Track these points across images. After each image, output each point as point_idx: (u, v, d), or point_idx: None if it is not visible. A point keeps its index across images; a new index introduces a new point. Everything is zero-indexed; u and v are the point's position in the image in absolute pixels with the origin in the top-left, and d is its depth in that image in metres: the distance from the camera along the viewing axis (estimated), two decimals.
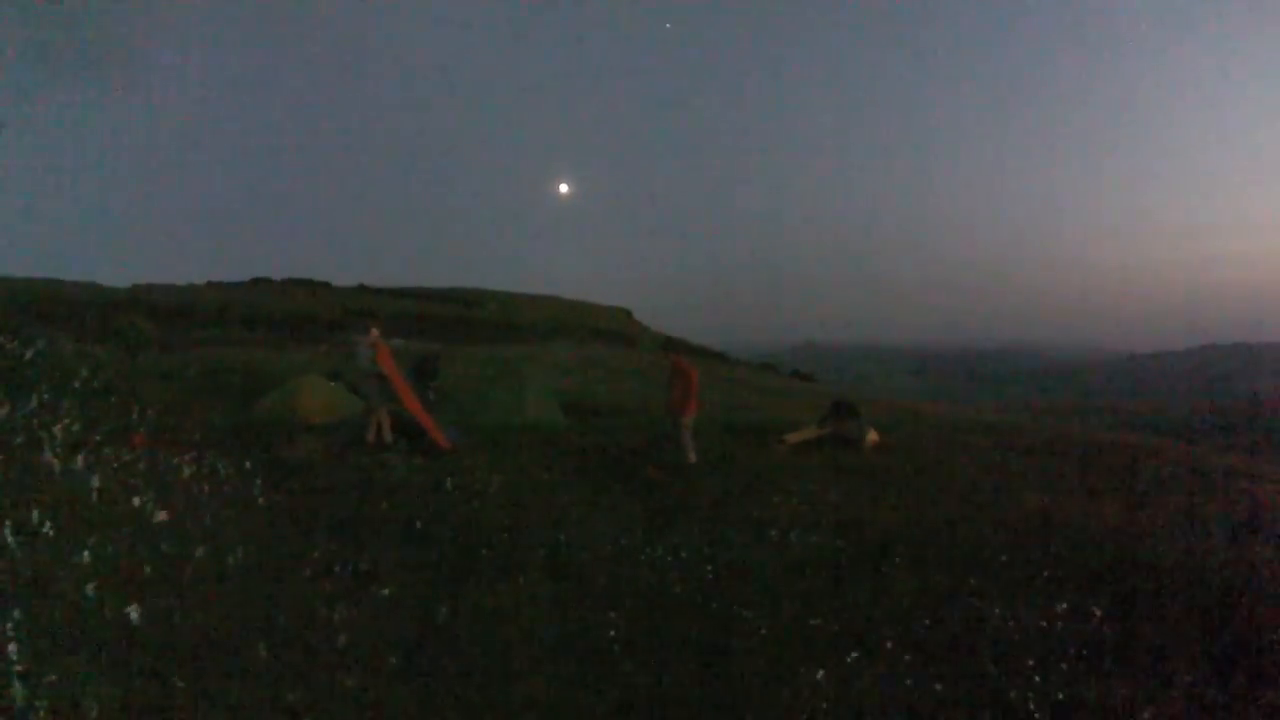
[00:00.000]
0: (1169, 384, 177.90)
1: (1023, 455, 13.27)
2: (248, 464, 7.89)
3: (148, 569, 4.65)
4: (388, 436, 10.68)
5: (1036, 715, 4.17)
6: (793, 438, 13.15)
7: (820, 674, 4.45)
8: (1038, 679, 4.53)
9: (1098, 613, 5.49)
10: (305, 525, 6.49)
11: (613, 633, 4.91)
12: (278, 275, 62.31)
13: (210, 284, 55.79)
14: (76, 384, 8.67)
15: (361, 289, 61.38)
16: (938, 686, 4.41)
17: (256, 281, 60.08)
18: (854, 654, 4.73)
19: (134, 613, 4.00)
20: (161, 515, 5.49)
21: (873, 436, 13.32)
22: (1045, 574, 6.32)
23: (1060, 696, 4.36)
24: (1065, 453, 13.72)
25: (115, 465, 6.52)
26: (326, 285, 61.19)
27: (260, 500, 6.83)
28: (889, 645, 4.88)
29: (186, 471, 7.01)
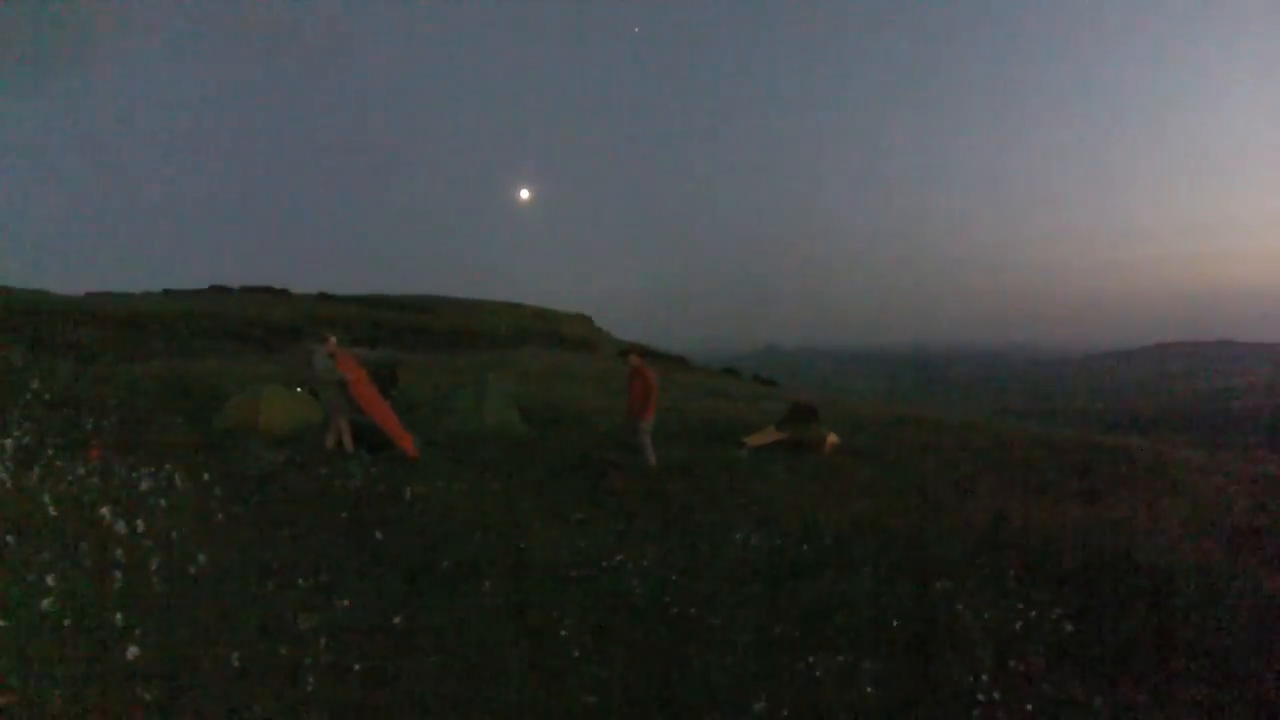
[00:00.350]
0: (1124, 383, 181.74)
1: (983, 455, 13.49)
2: (206, 475, 7.83)
3: (110, 582, 4.65)
4: (349, 445, 10.65)
5: (995, 711, 4.28)
6: (752, 441, 13.32)
7: (783, 676, 4.55)
8: (999, 675, 4.65)
9: (1057, 610, 5.64)
10: (266, 536, 6.47)
11: (574, 640, 4.97)
12: (235, 283, 61.38)
13: (166, 292, 54.87)
14: (28, 395, 8.57)
15: (322, 297, 60.68)
16: (900, 686, 4.52)
17: (214, 289, 59.18)
18: (814, 658, 4.81)
19: (97, 626, 4.02)
20: (121, 528, 5.47)
21: (832, 439, 13.52)
22: (1006, 573, 6.46)
23: (1020, 691, 4.48)
24: (1025, 452, 13.97)
25: (70, 479, 6.48)
26: (286, 293, 60.41)
27: (219, 512, 6.79)
28: (851, 646, 4.99)
29: (144, 484, 6.97)
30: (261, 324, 40.80)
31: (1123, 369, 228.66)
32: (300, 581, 5.47)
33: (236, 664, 4.06)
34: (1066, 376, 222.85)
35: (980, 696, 4.39)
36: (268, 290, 60.34)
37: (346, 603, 5.17)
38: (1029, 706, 4.30)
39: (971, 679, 4.57)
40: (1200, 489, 10.79)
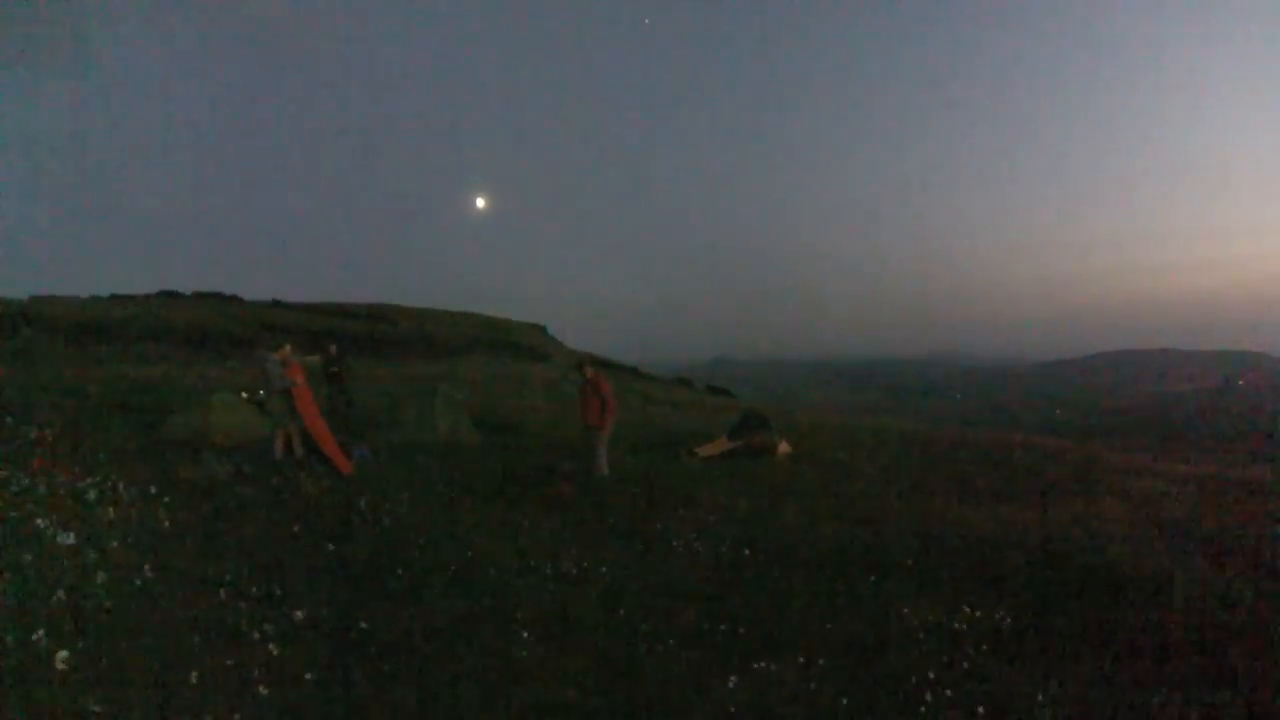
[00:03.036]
0: (1070, 390, 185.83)
1: (932, 461, 13.82)
2: (153, 486, 7.77)
3: (53, 598, 4.63)
4: (299, 451, 10.56)
5: (943, 708, 4.41)
6: (704, 450, 13.47)
7: (732, 681, 4.62)
8: (944, 673, 4.80)
9: (999, 608, 5.84)
10: (215, 547, 6.44)
11: (525, 647, 5.02)
12: (186, 288, 60.09)
13: (114, 297, 53.54)
14: None
15: (275, 304, 59.73)
16: (850, 685, 4.62)
17: (164, 295, 57.88)
18: (764, 661, 4.92)
19: (44, 641, 4.01)
20: (69, 539, 5.44)
21: (784, 447, 13.74)
22: (946, 574, 6.68)
23: (965, 687, 4.62)
24: (972, 458, 14.32)
25: (14, 488, 6.42)
26: (237, 299, 59.39)
27: (167, 522, 6.76)
28: (799, 649, 5.10)
29: (90, 494, 6.91)
30: (212, 331, 40.09)
31: (1069, 377, 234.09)
32: (251, 591, 5.47)
33: (186, 674, 4.06)
34: (1017, 384, 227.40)
35: (929, 696, 4.50)
36: (219, 296, 59.24)
37: (298, 612, 5.17)
38: (977, 704, 4.42)
39: (917, 678, 4.70)
40: (1141, 491, 11.19)
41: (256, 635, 4.72)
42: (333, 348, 16.51)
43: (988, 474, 12.37)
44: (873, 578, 6.62)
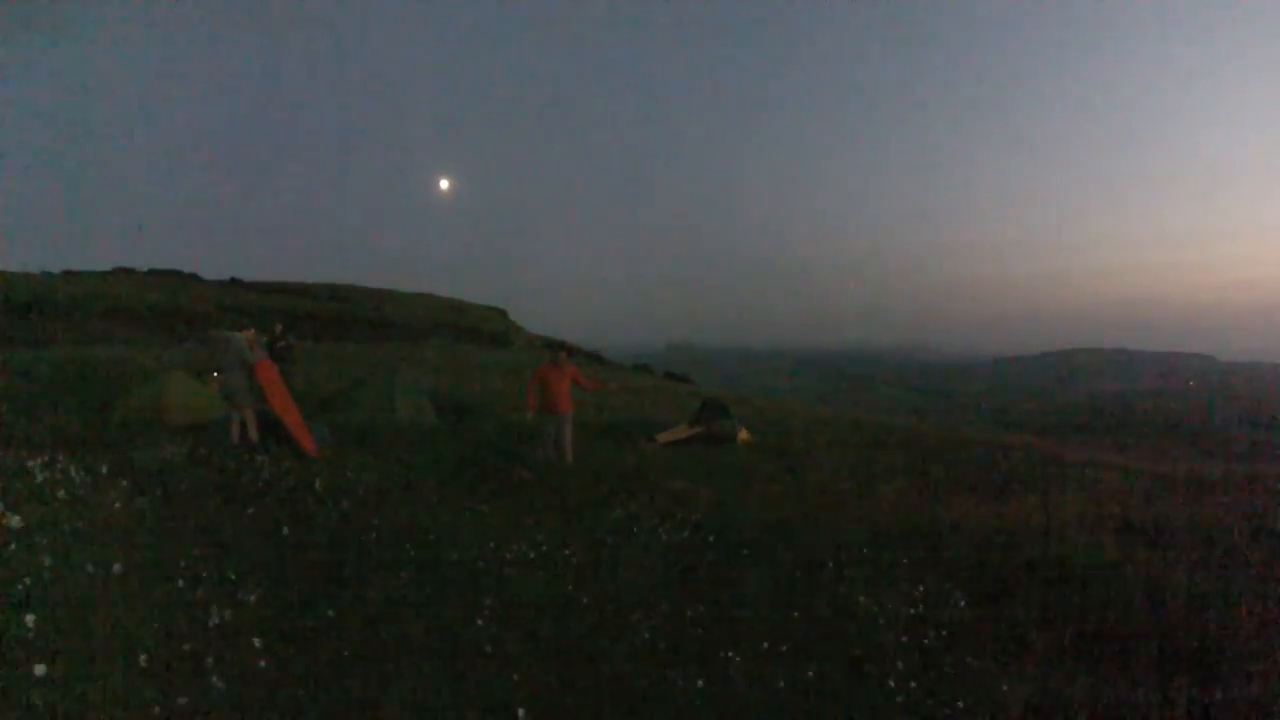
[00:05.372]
0: (1028, 386, 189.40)
1: (890, 452, 13.99)
2: (105, 468, 7.64)
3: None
4: (254, 435, 10.47)
5: (907, 695, 4.47)
6: (664, 437, 13.55)
7: (693, 669, 4.63)
8: (906, 660, 4.87)
9: (958, 597, 5.95)
10: (169, 532, 6.31)
11: (485, 633, 4.98)
12: (141, 265, 58.88)
13: (66, 273, 52.31)
14: None
15: (233, 282, 58.78)
16: (809, 674, 4.65)
17: (118, 271, 56.64)
18: (726, 650, 4.93)
19: None
20: (13, 523, 5.34)
21: (744, 435, 13.87)
22: (907, 563, 6.77)
23: (926, 674, 4.70)
24: (930, 449, 14.54)
25: None
26: (195, 277, 58.37)
27: (117, 505, 6.62)
28: (761, 636, 5.14)
29: (38, 477, 6.79)
30: (169, 310, 39.32)
31: (1027, 373, 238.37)
32: (205, 576, 5.36)
33: (137, 663, 3.97)
34: (974, 379, 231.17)
35: (891, 683, 4.57)
36: (176, 274, 58.19)
37: (254, 598, 5.08)
38: (940, 691, 4.50)
39: (879, 666, 4.79)
40: (1095, 484, 11.44)
41: (210, 620, 4.62)
42: (278, 326, 16.62)
43: (947, 466, 12.57)
44: (831, 564, 6.70)
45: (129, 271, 57.01)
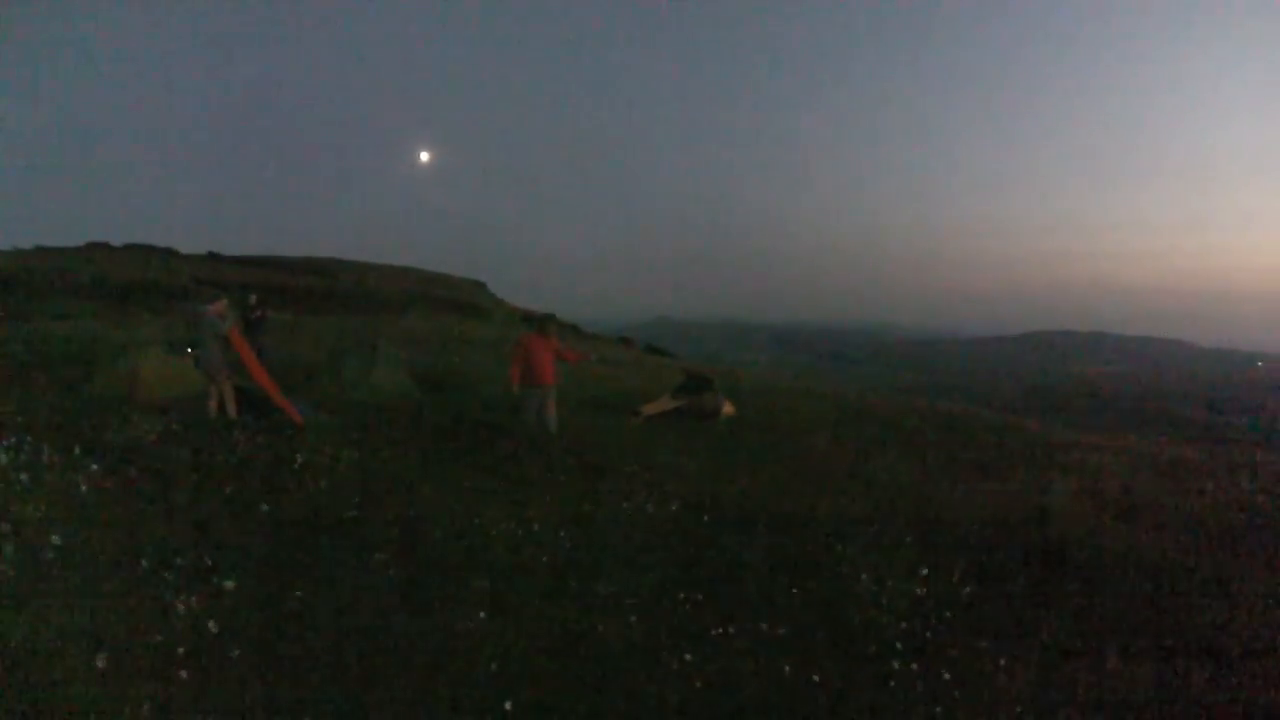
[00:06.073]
0: (1005, 365, 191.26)
1: (875, 427, 13.97)
2: (77, 447, 7.40)
3: None
4: (231, 411, 10.25)
5: (908, 675, 4.40)
6: (648, 409, 13.41)
7: (688, 650, 4.51)
8: (906, 640, 4.81)
9: (957, 575, 5.90)
10: (141, 513, 6.07)
11: (470, 613, 4.82)
12: (117, 240, 58.00)
13: (39, 249, 51.40)
14: None
15: (211, 257, 58.04)
16: (808, 655, 4.56)
17: (93, 246, 55.72)
18: (721, 629, 4.83)
19: None
20: None
21: (728, 408, 13.76)
22: (904, 541, 6.70)
23: (928, 654, 4.64)
24: (916, 426, 14.53)
25: None
26: (172, 252, 57.56)
27: (85, 487, 6.38)
28: (758, 615, 5.04)
29: (4, 457, 6.55)
30: (144, 285, 38.67)
31: (1005, 353, 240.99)
32: (178, 561, 5.13)
33: (100, 660, 3.75)
34: (953, 357, 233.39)
35: (895, 664, 4.49)
36: (152, 249, 57.38)
37: (230, 583, 4.85)
38: (941, 671, 4.42)
39: (879, 645, 4.72)
40: (1081, 464, 11.51)
41: (182, 609, 4.41)
42: (252, 297, 16.56)
43: (933, 443, 12.58)
44: (828, 539, 6.61)
45: (103, 246, 56.12)
